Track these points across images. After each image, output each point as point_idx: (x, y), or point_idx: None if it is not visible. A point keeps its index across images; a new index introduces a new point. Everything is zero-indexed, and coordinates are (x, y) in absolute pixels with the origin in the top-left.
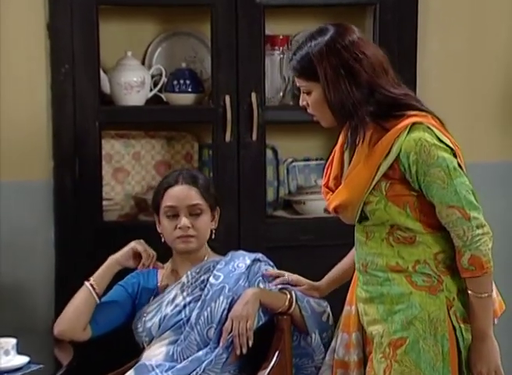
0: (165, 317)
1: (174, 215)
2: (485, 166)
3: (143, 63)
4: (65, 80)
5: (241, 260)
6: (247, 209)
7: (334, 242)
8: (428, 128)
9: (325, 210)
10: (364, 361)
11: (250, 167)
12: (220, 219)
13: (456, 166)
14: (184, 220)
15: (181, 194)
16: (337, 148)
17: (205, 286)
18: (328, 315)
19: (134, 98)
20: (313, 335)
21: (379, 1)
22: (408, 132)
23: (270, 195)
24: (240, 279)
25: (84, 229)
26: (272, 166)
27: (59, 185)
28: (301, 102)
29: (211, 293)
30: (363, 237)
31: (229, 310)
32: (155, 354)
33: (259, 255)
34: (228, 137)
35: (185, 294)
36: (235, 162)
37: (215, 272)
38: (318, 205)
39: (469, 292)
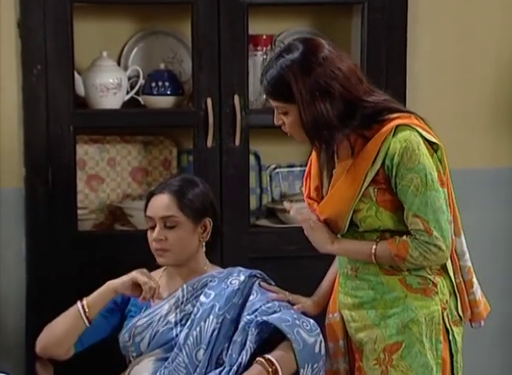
0: (155, 334)
1: (153, 226)
2: (476, 172)
3: (119, 64)
4: (37, 82)
5: (235, 276)
6: (230, 218)
7: (319, 253)
8: (413, 128)
9: None
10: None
11: (232, 174)
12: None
13: (436, 179)
14: (156, 232)
15: (157, 204)
16: (313, 158)
17: (194, 306)
18: (321, 343)
19: (110, 100)
20: (301, 370)
21: (367, 0)
22: (393, 135)
23: (252, 203)
24: (233, 297)
25: (58, 240)
26: (254, 173)
27: (31, 193)
28: (277, 121)
29: (200, 312)
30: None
31: (219, 330)
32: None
33: (256, 272)
34: (210, 142)
35: (178, 310)
36: (217, 169)
37: (206, 290)
38: None
39: (374, 246)
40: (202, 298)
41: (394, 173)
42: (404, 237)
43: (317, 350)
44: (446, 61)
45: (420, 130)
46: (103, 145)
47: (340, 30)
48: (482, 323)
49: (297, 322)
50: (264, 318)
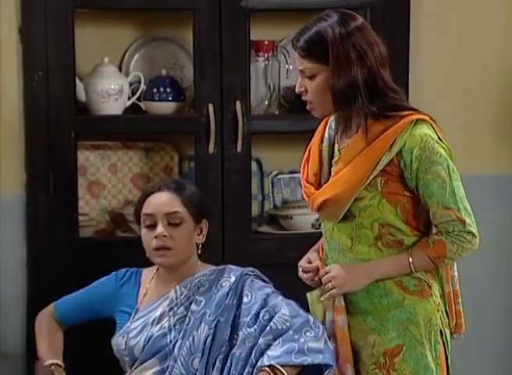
0: (150, 338)
1: (152, 224)
2: (478, 179)
3: (120, 70)
4: (38, 88)
5: (225, 278)
6: (231, 225)
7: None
8: (431, 126)
9: (313, 226)
10: None
11: (234, 180)
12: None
13: (455, 168)
14: (161, 228)
15: (160, 200)
16: (313, 146)
17: (188, 308)
18: (327, 339)
19: (112, 106)
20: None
21: (370, 5)
22: (413, 127)
23: (254, 210)
24: (225, 299)
25: (59, 246)
26: (256, 179)
27: (32, 200)
28: (299, 88)
29: (192, 321)
30: (348, 242)
31: (213, 336)
32: None
33: (248, 269)
34: (211, 149)
35: (171, 313)
36: (218, 175)
37: (196, 296)
38: (306, 220)
39: (410, 259)
40: (193, 307)
41: (415, 167)
42: (434, 236)
43: (330, 347)
44: (448, 68)
45: (436, 130)
46: (104, 151)
47: None
48: (462, 335)
49: (302, 338)
50: (273, 362)
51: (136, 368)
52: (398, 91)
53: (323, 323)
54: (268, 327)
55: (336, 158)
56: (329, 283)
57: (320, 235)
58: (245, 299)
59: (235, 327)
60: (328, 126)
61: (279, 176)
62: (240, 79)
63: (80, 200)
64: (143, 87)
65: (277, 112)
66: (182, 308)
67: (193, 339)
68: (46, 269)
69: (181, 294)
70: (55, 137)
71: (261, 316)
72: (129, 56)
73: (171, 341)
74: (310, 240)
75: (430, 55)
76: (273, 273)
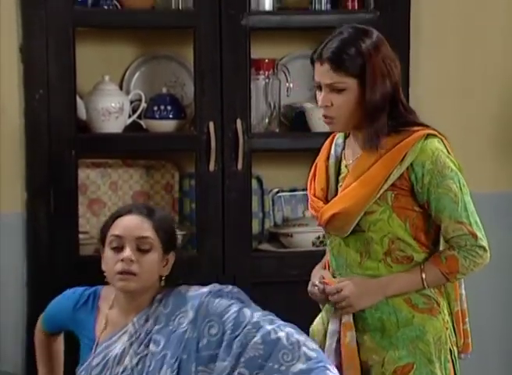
0: None
1: (119, 247)
2: (478, 197)
3: (121, 88)
4: (39, 106)
5: (182, 313)
6: (232, 243)
7: None
8: (442, 141)
9: (314, 244)
10: None
11: (235, 198)
12: (202, 254)
13: (465, 183)
14: (128, 252)
15: (131, 223)
16: (319, 162)
17: (148, 346)
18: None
19: (112, 124)
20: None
21: (370, 24)
22: (424, 142)
23: (255, 227)
24: (184, 335)
25: (59, 264)
26: (256, 197)
27: (32, 218)
28: (323, 102)
29: (153, 364)
30: (357, 257)
31: None
32: None
33: (214, 289)
34: (212, 167)
35: (131, 351)
36: (219, 193)
37: (154, 336)
38: (306, 237)
39: (423, 275)
40: (152, 347)
41: (427, 180)
42: (447, 251)
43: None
44: (448, 85)
45: (446, 146)
46: (105, 169)
47: None
48: (469, 355)
49: (283, 365)
50: None
51: None
52: (410, 107)
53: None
54: (242, 358)
55: (343, 175)
56: (342, 303)
57: (323, 253)
58: (213, 331)
59: (200, 359)
60: (334, 143)
61: (279, 194)
62: (241, 97)
63: (80, 218)
64: (143, 105)
65: (277, 130)
66: (142, 347)
67: None
68: (46, 288)
69: (140, 326)
70: (56, 155)
71: (234, 346)
72: (130, 74)
73: None
74: (310, 258)
75: (429, 72)
76: (273, 290)
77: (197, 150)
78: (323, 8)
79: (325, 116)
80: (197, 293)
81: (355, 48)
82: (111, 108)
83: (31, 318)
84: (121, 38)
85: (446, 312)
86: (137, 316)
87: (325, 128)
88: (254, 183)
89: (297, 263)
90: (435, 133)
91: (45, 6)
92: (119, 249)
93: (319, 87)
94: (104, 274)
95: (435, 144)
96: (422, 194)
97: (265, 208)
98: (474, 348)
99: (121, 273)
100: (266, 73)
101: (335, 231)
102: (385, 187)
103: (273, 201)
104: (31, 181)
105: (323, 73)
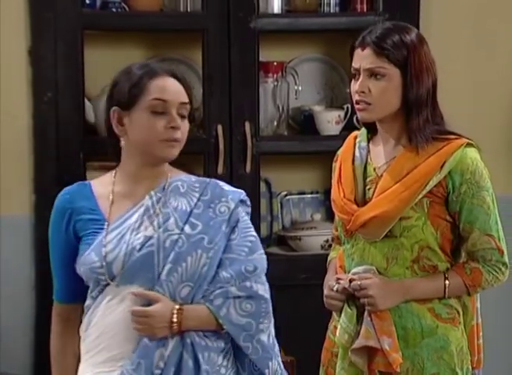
0: (131, 252)
1: (162, 112)
2: None
3: None
4: (47, 109)
5: (223, 203)
6: None
7: None
8: (478, 152)
9: (322, 247)
10: None
11: None
12: None
13: (495, 197)
14: (178, 119)
15: (174, 87)
16: (344, 164)
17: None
18: None
19: None
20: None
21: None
22: (463, 150)
23: (263, 231)
24: (222, 226)
25: None
26: (265, 200)
27: (40, 220)
28: (361, 87)
29: (186, 245)
30: (383, 263)
31: (209, 266)
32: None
33: (242, 195)
34: (220, 169)
35: (155, 223)
36: None
37: (191, 219)
38: (315, 241)
39: (447, 282)
40: (188, 230)
41: (463, 190)
42: (471, 263)
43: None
44: (458, 87)
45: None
46: None
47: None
48: (481, 372)
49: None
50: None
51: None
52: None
53: None
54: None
55: (370, 178)
56: (365, 300)
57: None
58: (232, 236)
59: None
60: (357, 146)
61: (287, 197)
62: (249, 100)
63: None
64: None
65: (286, 133)
66: (160, 217)
67: (187, 266)
68: None
69: (158, 200)
70: (64, 157)
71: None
72: None
73: (158, 263)
74: (319, 261)
75: (439, 76)
76: (282, 294)
77: (205, 153)
78: (332, 10)
79: (360, 102)
80: (233, 190)
81: (400, 37)
82: None
83: (39, 320)
84: (129, 41)
85: (462, 322)
86: (156, 189)
87: (333, 131)
88: (263, 186)
89: (306, 266)
90: (473, 143)
91: (54, 9)
92: (161, 114)
93: (355, 75)
94: (122, 143)
95: (473, 153)
96: (456, 202)
97: (274, 212)
98: (484, 362)
99: (169, 140)
100: (275, 75)
101: (367, 235)
102: (424, 192)
103: (281, 204)
104: (39, 183)
105: (364, 57)
